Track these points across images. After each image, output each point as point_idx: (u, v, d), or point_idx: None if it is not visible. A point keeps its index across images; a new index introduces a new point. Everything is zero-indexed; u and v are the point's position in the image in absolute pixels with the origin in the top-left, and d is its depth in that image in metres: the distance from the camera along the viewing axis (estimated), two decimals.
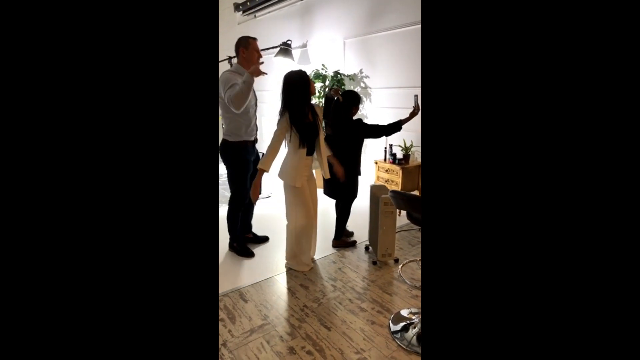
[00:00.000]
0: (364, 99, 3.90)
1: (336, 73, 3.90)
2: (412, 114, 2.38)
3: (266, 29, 5.27)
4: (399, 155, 3.31)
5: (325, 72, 4.01)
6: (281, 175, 2.15)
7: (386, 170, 3.34)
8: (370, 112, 3.86)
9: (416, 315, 1.78)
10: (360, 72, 3.87)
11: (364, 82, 3.87)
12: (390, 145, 3.33)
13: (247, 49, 2.22)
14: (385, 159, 3.38)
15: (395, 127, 2.38)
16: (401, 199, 1.51)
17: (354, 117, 2.40)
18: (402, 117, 2.42)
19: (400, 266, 2.13)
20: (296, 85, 1.97)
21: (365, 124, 2.38)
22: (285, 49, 4.38)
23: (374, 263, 2.36)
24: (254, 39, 2.28)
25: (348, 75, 3.98)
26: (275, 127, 2.05)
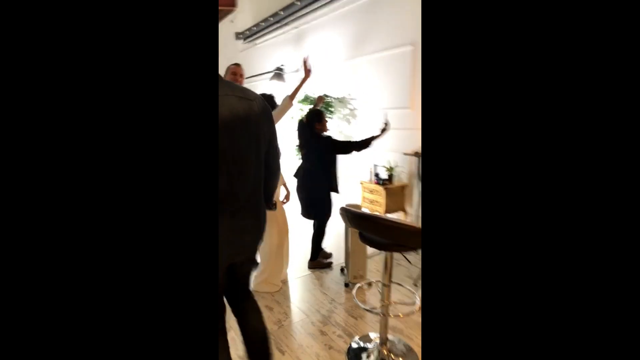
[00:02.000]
0: (351, 120, 3.93)
1: (325, 96, 3.96)
2: (383, 130, 2.38)
3: (265, 55, 5.47)
4: (383, 175, 3.28)
5: (312, 96, 4.09)
6: None
7: (370, 191, 3.30)
8: (357, 133, 3.88)
9: (373, 342, 1.70)
10: (349, 95, 3.93)
11: (351, 104, 3.91)
12: (375, 166, 3.31)
13: (226, 74, 2.33)
14: (370, 179, 3.35)
15: (365, 143, 2.36)
16: (350, 217, 1.47)
17: (325, 134, 2.41)
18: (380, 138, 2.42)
19: (355, 289, 2.06)
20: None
21: (335, 140, 2.37)
22: (278, 74, 4.53)
23: (346, 285, 2.29)
24: (236, 65, 2.36)
25: (337, 98, 4.04)
26: None
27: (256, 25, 4.98)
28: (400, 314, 1.88)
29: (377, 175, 3.25)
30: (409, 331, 1.78)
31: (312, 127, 2.36)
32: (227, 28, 5.91)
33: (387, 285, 1.56)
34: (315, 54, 4.41)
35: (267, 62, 5.27)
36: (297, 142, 2.43)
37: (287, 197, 2.31)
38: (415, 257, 2.72)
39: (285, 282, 2.36)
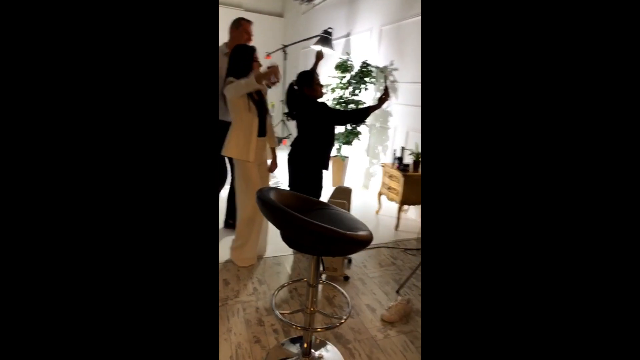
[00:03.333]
0: (391, 94, 3.45)
1: (364, 64, 3.53)
2: (382, 100, 1.96)
3: (321, 18, 5.12)
4: (407, 160, 2.82)
5: (351, 62, 3.67)
6: (229, 150, 1.90)
7: (390, 176, 2.89)
8: (395, 110, 3.40)
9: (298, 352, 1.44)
10: (391, 64, 3.43)
11: (393, 75, 3.42)
12: (402, 148, 2.86)
13: (237, 29, 2.23)
14: (393, 163, 2.93)
15: (361, 114, 1.99)
16: (267, 208, 1.15)
17: (319, 101, 2.07)
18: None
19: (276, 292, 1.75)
20: (244, 55, 1.85)
21: (329, 108, 2.01)
22: (325, 38, 4.16)
23: (319, 276, 2.03)
24: (248, 21, 2.26)
25: (377, 68, 3.57)
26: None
27: None
28: (319, 328, 1.50)
29: (399, 159, 2.80)
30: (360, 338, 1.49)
31: (302, 92, 2.04)
32: None
33: (313, 285, 1.27)
34: (365, 16, 3.93)
35: (324, 25, 4.93)
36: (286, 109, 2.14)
37: (271, 168, 2.11)
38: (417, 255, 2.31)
39: (261, 258, 2.20)
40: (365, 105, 2.08)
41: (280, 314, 1.53)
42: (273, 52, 4.92)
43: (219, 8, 6.08)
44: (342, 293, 1.70)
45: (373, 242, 2.60)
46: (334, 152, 3.85)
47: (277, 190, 1.26)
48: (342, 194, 2.02)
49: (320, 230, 0.97)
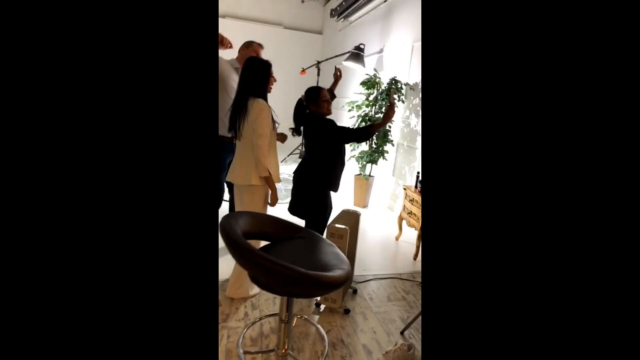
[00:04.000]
0: (421, 113, 3.25)
1: (392, 81, 3.38)
2: (387, 116, 1.80)
3: (357, 34, 5.07)
4: None
5: (378, 79, 3.53)
6: (264, 171, 1.64)
7: (411, 201, 2.67)
8: None
9: None
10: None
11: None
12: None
13: (247, 48, 2.27)
14: (415, 186, 2.71)
15: (363, 133, 1.84)
16: (225, 238, 0.95)
17: (327, 118, 1.92)
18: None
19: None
20: (260, 70, 1.69)
21: (336, 126, 1.85)
22: (356, 54, 4.09)
23: (317, 305, 1.88)
24: (259, 45, 2.30)
25: (408, 84, 3.40)
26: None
27: (345, 0, 4.61)
28: None
29: (422, 182, 2.59)
30: None
31: (308, 108, 1.92)
32: (330, 6, 5.72)
33: (284, 321, 1.14)
34: (398, 32, 3.80)
35: (358, 41, 4.88)
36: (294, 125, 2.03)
37: (272, 202, 1.77)
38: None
39: (256, 295, 1.96)
40: (370, 123, 1.91)
41: (246, 353, 1.40)
42: (307, 67, 4.96)
43: (259, 26, 6.34)
44: (318, 329, 1.52)
45: (386, 272, 2.40)
46: (357, 171, 3.70)
47: (252, 215, 1.15)
48: (347, 218, 1.87)
49: (276, 269, 0.84)
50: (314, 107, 1.91)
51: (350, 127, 1.93)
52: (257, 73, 1.67)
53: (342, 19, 5.27)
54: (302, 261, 1.01)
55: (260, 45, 2.28)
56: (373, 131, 1.85)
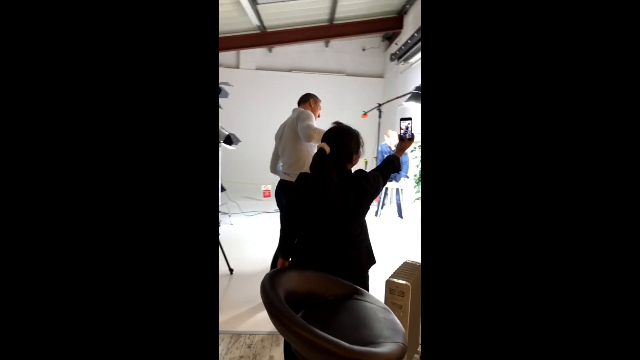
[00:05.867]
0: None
1: None
2: (404, 145, 1.42)
3: (417, 75, 5.03)
4: None
5: None
6: None
7: None
8: None
9: None
10: None
11: None
12: None
13: (316, 103, 2.38)
14: None
15: (388, 167, 1.36)
16: (265, 300, 0.85)
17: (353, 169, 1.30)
18: None
19: None
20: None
21: (368, 174, 1.24)
22: (417, 94, 4.03)
23: None
24: (320, 101, 2.42)
25: None
26: None
27: (405, 44, 4.65)
28: None
29: (422, 183, 2.27)
30: None
31: (339, 161, 1.22)
32: (390, 51, 5.85)
33: None
34: None
35: (419, 82, 4.82)
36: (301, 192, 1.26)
37: None
38: None
39: None
40: (386, 157, 1.44)
41: None
42: (369, 110, 5.00)
43: (323, 75, 6.69)
44: None
45: None
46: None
47: (299, 272, 1.08)
48: (409, 272, 1.69)
49: (312, 340, 0.74)
50: (355, 158, 1.30)
51: (378, 168, 1.40)
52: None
53: (402, 62, 5.31)
54: (351, 331, 0.89)
55: (320, 101, 2.38)
56: (395, 162, 1.41)
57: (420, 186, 3.39)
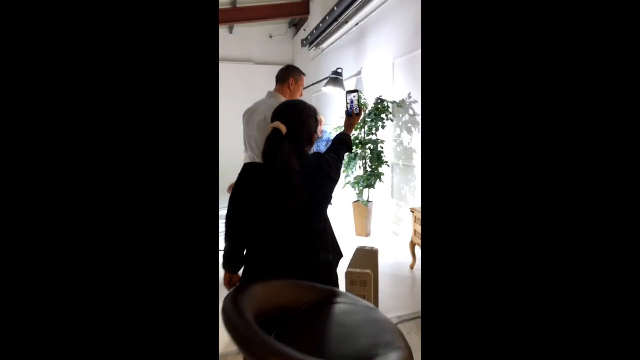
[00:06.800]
0: (412, 129, 3.10)
1: (378, 99, 3.25)
2: (352, 121, 1.29)
3: (331, 60, 5.03)
4: None
5: (364, 99, 3.40)
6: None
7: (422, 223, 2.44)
8: (419, 146, 3.02)
9: None
10: (409, 96, 3.13)
11: (412, 109, 3.09)
12: None
13: (297, 82, 1.79)
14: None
15: (341, 146, 1.21)
16: (231, 333, 0.71)
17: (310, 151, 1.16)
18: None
19: None
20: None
21: (328, 157, 1.09)
22: (334, 78, 3.99)
23: None
24: (304, 75, 1.86)
25: (394, 102, 3.27)
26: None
27: (315, 28, 4.58)
28: None
29: (421, 186, 2.37)
30: None
31: (300, 145, 1.06)
32: (301, 37, 5.72)
33: None
34: (375, 51, 3.73)
35: (333, 67, 4.82)
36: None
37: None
38: None
39: None
40: (337, 134, 1.29)
41: None
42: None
43: (230, 64, 6.26)
44: None
45: (412, 310, 2.11)
46: (354, 197, 3.47)
47: (264, 284, 0.88)
48: (366, 259, 1.61)
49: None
50: (313, 136, 1.19)
51: (330, 147, 1.21)
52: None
53: (314, 48, 5.24)
54: (341, 344, 0.74)
55: (304, 76, 1.85)
56: (347, 140, 1.25)
57: (349, 169, 3.40)
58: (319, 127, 1.19)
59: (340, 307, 0.91)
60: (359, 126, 3.32)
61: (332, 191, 1.10)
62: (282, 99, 1.72)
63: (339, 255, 1.14)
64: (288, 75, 1.75)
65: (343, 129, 1.33)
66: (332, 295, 0.96)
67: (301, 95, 1.79)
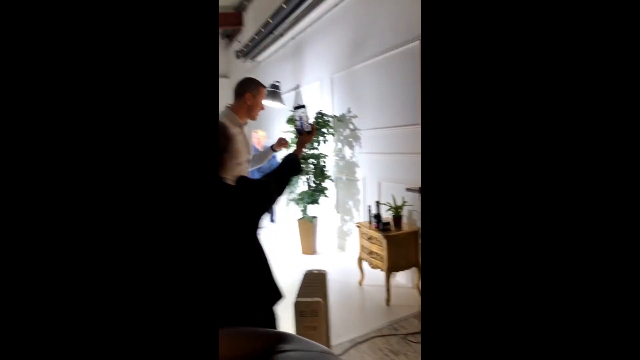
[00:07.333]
0: (354, 143, 3.11)
1: (319, 114, 3.21)
2: (303, 139, 1.25)
3: (268, 74, 4.91)
4: (385, 217, 2.38)
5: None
6: None
7: (369, 239, 2.41)
8: (361, 160, 3.03)
9: None
10: (349, 111, 3.14)
11: (352, 124, 3.11)
12: (377, 203, 2.42)
13: (256, 97, 1.59)
14: (370, 222, 2.47)
15: (285, 170, 1.11)
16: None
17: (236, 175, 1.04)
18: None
19: None
20: None
21: (254, 182, 0.99)
22: (273, 92, 3.87)
23: None
24: (264, 88, 1.66)
25: (335, 117, 3.26)
26: None
27: (251, 40, 4.46)
28: None
29: (376, 217, 2.35)
30: None
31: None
32: (236, 49, 5.52)
33: None
34: (313, 66, 3.72)
35: (270, 80, 4.72)
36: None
37: None
38: None
39: None
40: (285, 157, 1.17)
41: None
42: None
43: None
44: None
45: (363, 331, 2.04)
46: (300, 215, 3.35)
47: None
48: (315, 285, 1.49)
49: None
50: (225, 157, 0.98)
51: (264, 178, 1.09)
52: None
53: (250, 60, 5.09)
54: None
55: (264, 88, 1.68)
56: (297, 162, 1.16)
57: (295, 187, 3.28)
58: (258, 142, 1.08)
59: (290, 356, 0.76)
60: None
61: (256, 222, 0.96)
62: (234, 117, 1.56)
63: (275, 294, 0.99)
64: (244, 89, 1.58)
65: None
66: (279, 340, 0.82)
67: (262, 109, 1.65)
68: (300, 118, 1.24)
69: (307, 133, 1.24)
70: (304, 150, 1.27)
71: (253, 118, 1.66)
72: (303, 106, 1.26)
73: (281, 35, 3.91)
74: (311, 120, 3.19)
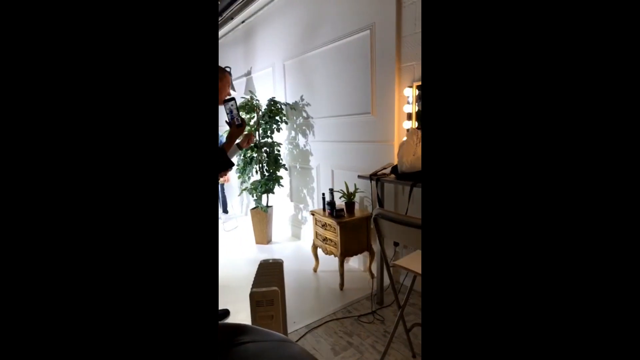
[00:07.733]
0: (307, 132, 3.11)
1: (271, 101, 3.15)
2: (233, 132, 1.29)
3: (221, 58, 4.69)
4: (339, 204, 2.44)
5: (257, 101, 3.27)
6: None
7: (323, 225, 2.46)
8: (315, 148, 3.05)
9: None
10: (302, 98, 3.12)
11: (305, 112, 3.10)
12: (331, 190, 2.46)
13: (221, 81, 1.50)
14: (324, 209, 2.51)
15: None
16: None
17: None
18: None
19: None
20: None
21: None
22: None
23: None
24: (229, 74, 1.55)
25: (288, 104, 3.23)
26: None
27: None
28: None
29: (330, 204, 2.40)
30: None
31: None
32: None
33: None
34: (265, 52, 3.62)
35: (221, 65, 4.50)
36: None
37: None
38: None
39: None
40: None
41: None
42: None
43: None
44: None
45: (319, 316, 2.09)
46: (253, 205, 3.30)
47: None
48: (270, 274, 1.49)
49: None
50: None
51: None
52: None
53: None
54: None
55: (229, 74, 1.59)
56: (227, 157, 1.19)
57: (245, 175, 3.21)
58: None
59: (248, 348, 0.77)
60: (253, 128, 3.16)
61: None
62: None
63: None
64: None
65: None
66: (237, 333, 0.81)
67: (228, 94, 1.57)
68: (231, 111, 1.21)
69: (238, 127, 1.21)
70: (235, 144, 1.24)
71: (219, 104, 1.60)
72: (233, 99, 1.23)
73: (231, 18, 3.75)
74: (263, 107, 3.13)
